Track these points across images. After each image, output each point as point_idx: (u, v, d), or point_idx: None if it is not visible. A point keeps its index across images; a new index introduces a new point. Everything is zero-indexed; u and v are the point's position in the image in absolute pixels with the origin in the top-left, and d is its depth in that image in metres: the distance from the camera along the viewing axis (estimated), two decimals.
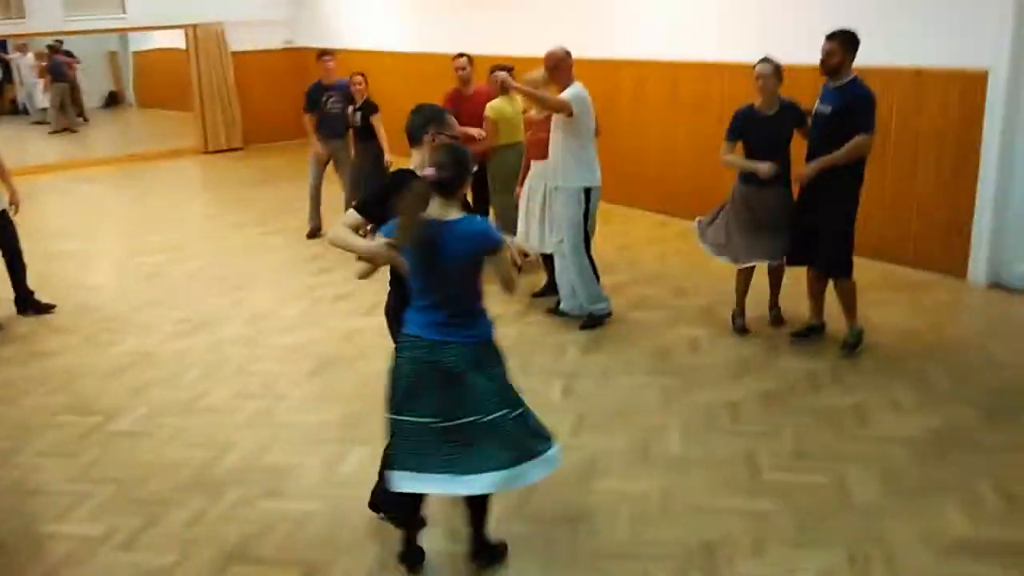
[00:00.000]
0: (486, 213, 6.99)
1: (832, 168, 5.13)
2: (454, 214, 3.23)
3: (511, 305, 5.80)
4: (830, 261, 5.37)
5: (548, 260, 6.52)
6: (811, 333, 5.66)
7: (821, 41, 5.19)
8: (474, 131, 6.79)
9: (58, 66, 17.58)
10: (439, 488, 3.28)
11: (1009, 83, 6.19)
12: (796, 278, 5.81)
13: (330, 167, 8.73)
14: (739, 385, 5.12)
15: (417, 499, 3.48)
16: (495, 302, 3.80)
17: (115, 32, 17.74)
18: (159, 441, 4.75)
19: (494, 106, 6.81)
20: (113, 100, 22.03)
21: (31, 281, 6.78)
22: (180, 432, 4.84)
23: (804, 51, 6.30)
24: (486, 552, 3.59)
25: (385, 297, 3.70)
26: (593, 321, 6.05)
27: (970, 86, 6.38)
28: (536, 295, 6.59)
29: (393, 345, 3.40)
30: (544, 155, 6.09)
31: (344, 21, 13.72)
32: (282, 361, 5.78)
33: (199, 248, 8.67)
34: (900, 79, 6.60)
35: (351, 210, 3.56)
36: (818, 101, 5.29)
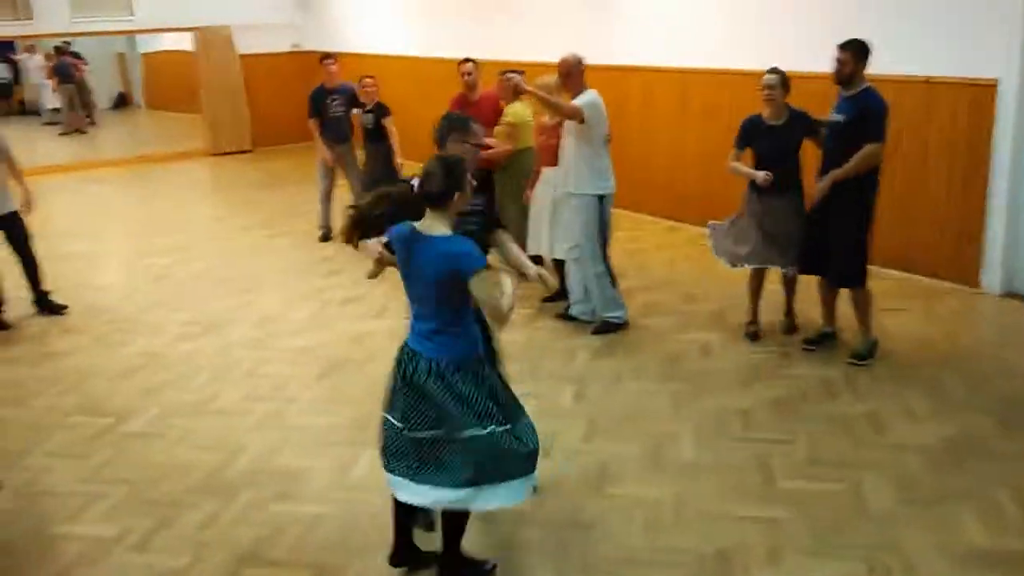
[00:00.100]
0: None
1: (848, 181, 5.11)
2: (440, 229, 3.19)
3: (521, 310, 5.77)
4: (842, 273, 5.35)
5: (558, 265, 6.51)
6: (824, 341, 5.64)
7: (830, 50, 5.18)
8: (491, 140, 6.78)
9: (65, 67, 17.61)
10: (399, 492, 3.34)
11: (1019, 92, 6.16)
12: (810, 284, 5.78)
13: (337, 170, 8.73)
14: (751, 391, 5.10)
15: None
16: None
17: (122, 34, 17.81)
18: (170, 443, 4.74)
19: (514, 111, 6.79)
20: (122, 102, 22.08)
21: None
22: (191, 434, 4.83)
23: (813, 60, 6.33)
24: (458, 570, 3.51)
25: (393, 301, 3.69)
26: (606, 327, 6.03)
27: (980, 95, 6.36)
28: (546, 300, 6.57)
29: None
30: (555, 161, 6.08)
31: (351, 25, 13.74)
32: (291, 364, 5.77)
33: (207, 250, 8.67)
34: (910, 88, 6.58)
35: None
36: (832, 111, 5.27)
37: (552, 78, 5.92)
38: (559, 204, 6.14)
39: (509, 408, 3.30)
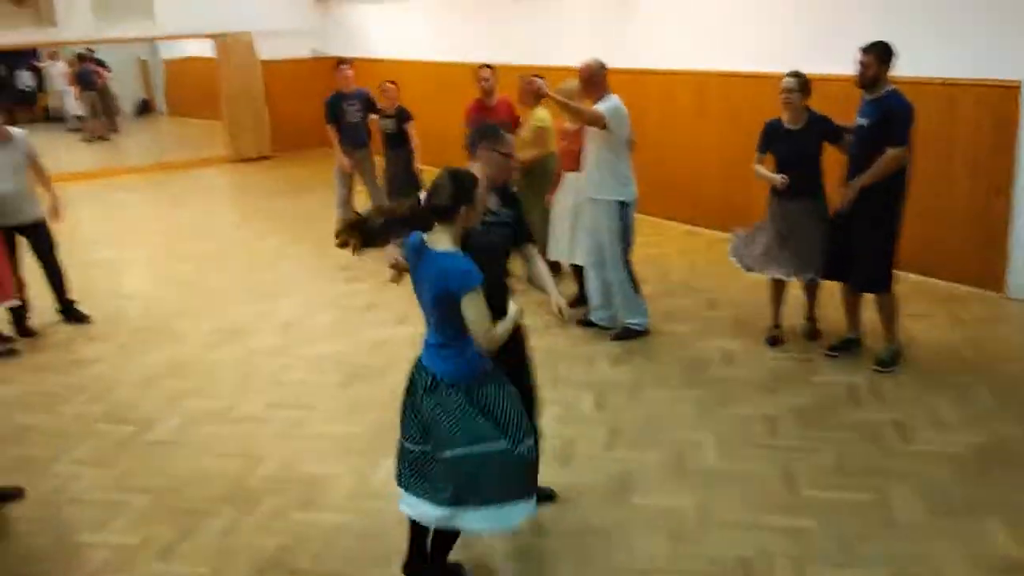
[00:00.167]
0: None
1: (874, 186, 5.05)
2: (443, 244, 3.18)
3: (540, 316, 5.76)
4: (868, 278, 5.30)
5: (577, 271, 6.50)
6: (847, 347, 5.59)
7: (850, 53, 5.13)
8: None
9: (87, 74, 17.78)
10: (399, 501, 3.39)
11: None
12: (833, 289, 5.73)
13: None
14: (775, 399, 5.06)
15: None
16: (526, 312, 3.80)
17: (145, 41, 17.95)
18: (194, 451, 4.77)
19: (539, 115, 6.78)
20: (144, 108, 22.25)
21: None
22: (214, 442, 4.85)
23: (833, 63, 6.29)
24: (424, 572, 3.52)
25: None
26: (626, 333, 6.00)
27: (1003, 98, 6.29)
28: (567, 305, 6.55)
29: None
30: (576, 166, 6.07)
31: (370, 30, 13.78)
32: (313, 371, 5.79)
33: (229, 257, 8.72)
34: (931, 91, 6.50)
35: None
36: (857, 115, 5.22)
37: (573, 83, 5.91)
38: (580, 209, 6.13)
39: (509, 430, 3.22)
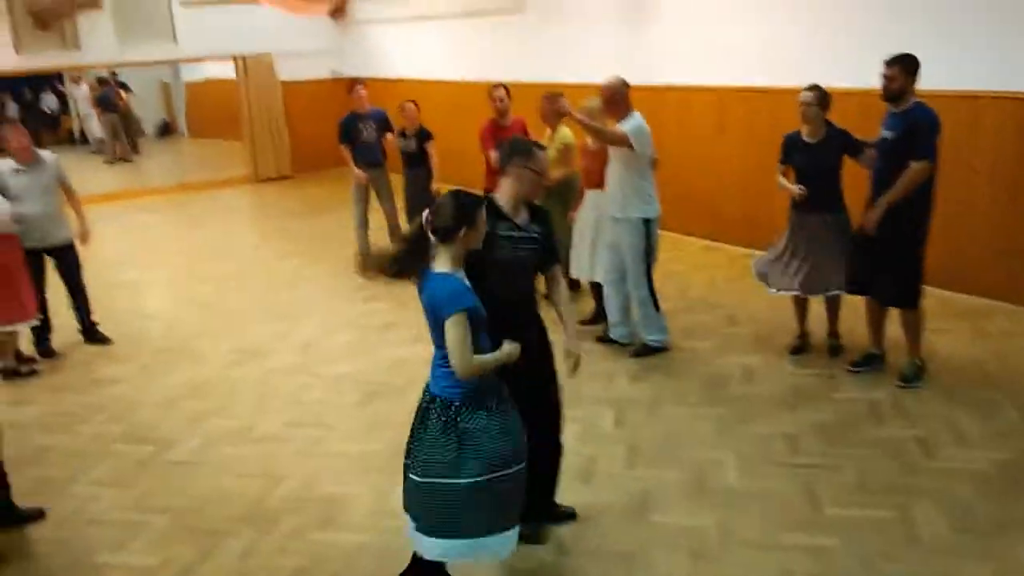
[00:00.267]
0: None
1: (896, 201, 5.00)
2: (441, 265, 3.18)
3: (557, 334, 5.73)
4: (896, 295, 5.24)
5: (596, 288, 6.48)
6: (870, 363, 5.53)
7: (871, 66, 5.10)
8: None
9: (108, 97, 18.02)
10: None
11: None
12: (855, 303, 5.68)
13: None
14: (796, 416, 5.01)
15: None
16: (548, 328, 3.79)
17: (168, 64, 18.17)
18: (213, 471, 4.78)
19: (566, 134, 6.78)
20: (166, 130, 22.51)
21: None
22: (233, 462, 4.86)
23: (855, 77, 6.26)
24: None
25: None
26: (646, 350, 5.98)
27: None
28: (584, 323, 6.53)
29: None
30: (598, 184, 6.05)
31: (388, 50, 13.88)
32: (332, 390, 5.80)
33: (249, 277, 8.76)
34: (954, 104, 6.45)
35: None
36: (882, 128, 5.17)
37: (595, 101, 5.90)
38: (602, 227, 6.11)
39: (476, 464, 3.16)
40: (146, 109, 21.02)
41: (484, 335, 3.23)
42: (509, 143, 3.77)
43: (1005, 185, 6.45)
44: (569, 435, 4.34)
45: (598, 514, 4.12)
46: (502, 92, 7.33)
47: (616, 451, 4.72)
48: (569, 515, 4.07)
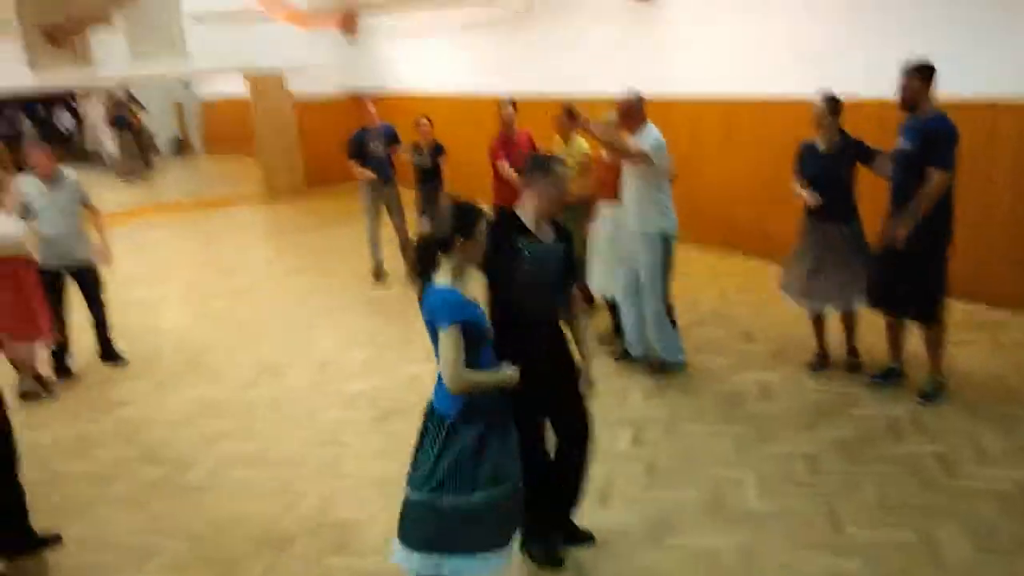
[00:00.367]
0: None
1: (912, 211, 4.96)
2: (441, 276, 3.18)
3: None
4: (918, 310, 5.17)
5: (612, 304, 6.44)
6: (889, 376, 5.47)
7: (885, 76, 5.05)
8: (512, 175, 6.86)
9: (121, 115, 18.15)
10: None
11: None
12: (873, 318, 5.63)
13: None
14: (815, 434, 4.95)
15: None
16: None
17: (180, 80, 18.28)
18: (228, 493, 4.76)
19: (583, 146, 6.75)
20: (180, 147, 22.64)
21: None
22: (248, 484, 4.85)
23: (869, 86, 6.21)
24: None
25: None
26: (661, 367, 5.93)
27: None
28: (602, 340, 6.50)
29: None
30: (612, 196, 6.02)
31: (400, 65, 13.93)
32: (348, 408, 5.78)
33: (263, 293, 8.78)
34: (973, 112, 6.41)
35: None
36: (899, 137, 5.13)
37: (612, 115, 5.87)
38: (618, 241, 6.07)
39: (450, 481, 3.18)
40: (160, 127, 21.15)
41: (486, 351, 3.22)
42: (531, 159, 3.76)
43: (1023, 195, 6.38)
44: None
45: (616, 536, 4.08)
46: (510, 108, 7.36)
47: (634, 471, 4.68)
48: (587, 538, 4.04)
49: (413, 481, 3.25)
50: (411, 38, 13.40)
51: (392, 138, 8.64)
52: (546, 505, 3.86)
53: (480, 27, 11.73)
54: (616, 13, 9.46)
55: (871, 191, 5.52)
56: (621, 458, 4.83)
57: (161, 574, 4.05)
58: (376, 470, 4.90)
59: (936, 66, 4.96)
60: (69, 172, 6.57)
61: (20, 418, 5.92)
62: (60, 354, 6.61)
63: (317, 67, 14.32)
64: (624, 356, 6.16)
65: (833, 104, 5.39)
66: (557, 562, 3.89)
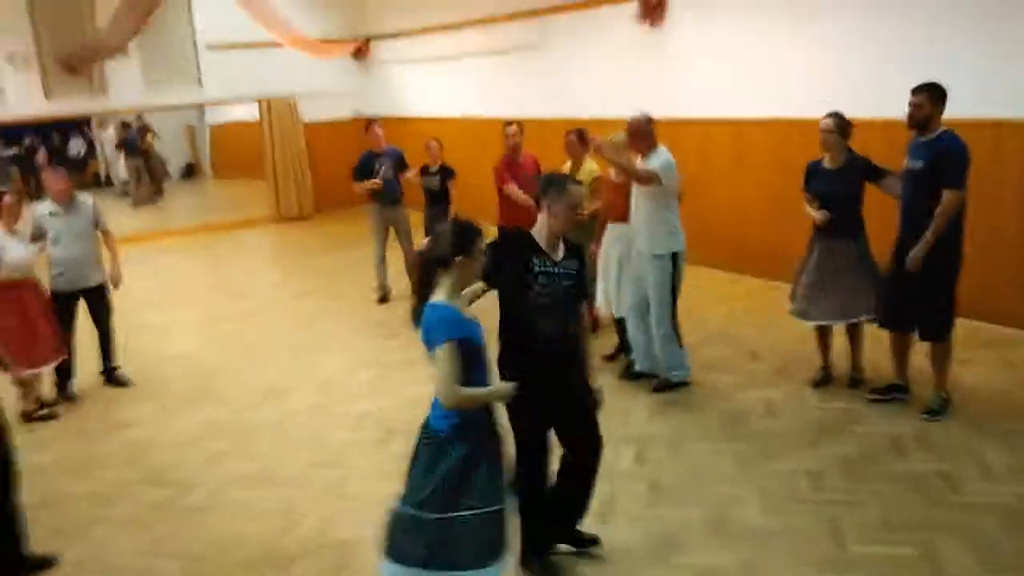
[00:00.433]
0: None
1: (926, 231, 4.94)
2: (438, 294, 3.20)
3: None
4: (930, 329, 5.16)
5: (619, 323, 6.43)
6: (892, 392, 5.45)
7: (893, 95, 5.07)
8: (523, 197, 6.89)
9: (132, 141, 18.33)
10: None
11: None
12: (878, 335, 5.61)
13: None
14: (819, 451, 4.93)
15: None
16: None
17: (194, 107, 18.47)
18: (230, 514, 4.76)
19: (593, 167, 6.77)
20: (190, 171, 22.84)
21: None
22: (251, 504, 4.85)
23: (876, 106, 6.23)
24: None
25: None
26: (667, 385, 5.92)
27: None
28: (607, 358, 6.49)
29: None
30: (620, 217, 6.04)
31: (410, 90, 14.04)
32: (352, 429, 5.79)
33: (270, 316, 8.81)
34: (980, 131, 6.39)
35: None
36: (908, 157, 5.13)
37: (620, 136, 5.89)
38: (626, 261, 6.08)
39: (461, 498, 3.20)
40: (171, 151, 21.34)
41: (482, 368, 3.24)
42: (546, 178, 3.80)
43: None
44: None
45: (619, 555, 4.06)
46: (514, 128, 7.40)
47: (637, 489, 4.66)
48: (593, 541, 4.06)
49: (402, 495, 3.26)
50: (421, 63, 13.51)
51: (399, 162, 8.69)
52: (545, 521, 3.86)
53: (492, 51, 11.83)
54: (625, 36, 9.52)
55: (879, 209, 5.52)
56: (624, 476, 4.82)
57: None
58: (379, 491, 4.85)
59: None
60: (85, 196, 6.67)
61: (22, 439, 5.96)
62: (65, 377, 6.64)
63: (329, 93, 14.43)
64: (629, 374, 6.15)
65: (841, 123, 5.41)
66: None
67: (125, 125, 18.92)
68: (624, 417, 5.58)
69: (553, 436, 3.86)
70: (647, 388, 5.96)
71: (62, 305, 6.42)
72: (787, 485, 4.58)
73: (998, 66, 6.38)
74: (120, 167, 19.27)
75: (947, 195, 4.88)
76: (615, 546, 4.11)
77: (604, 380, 6.02)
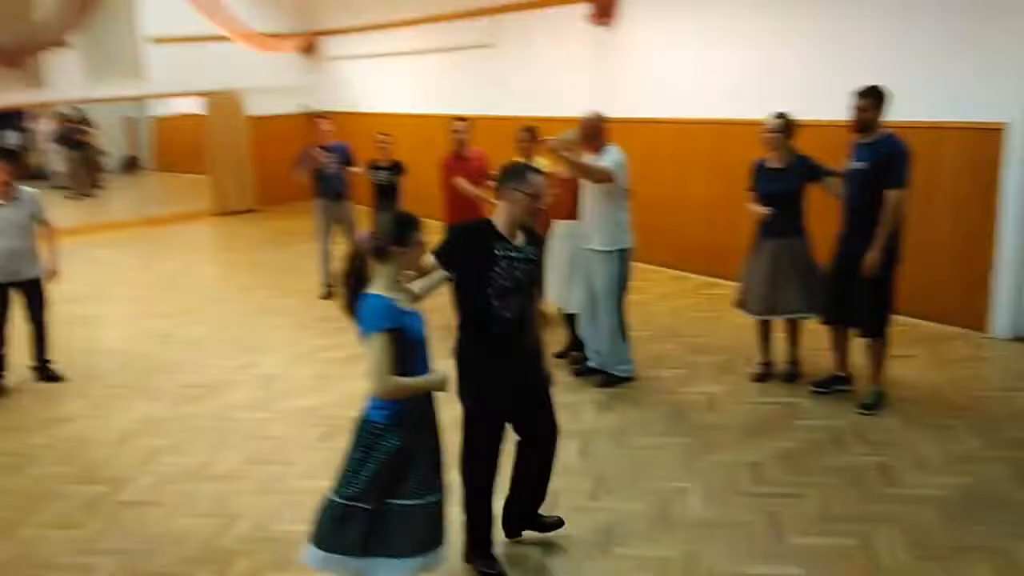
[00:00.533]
0: None
1: (872, 229, 5.05)
2: (377, 285, 3.20)
3: None
4: (873, 324, 5.27)
5: (570, 320, 6.44)
6: (834, 384, 5.56)
7: (836, 99, 5.17)
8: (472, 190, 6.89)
9: (67, 133, 17.85)
10: None
11: None
12: (816, 329, 5.72)
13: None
14: (759, 444, 5.00)
15: None
16: None
17: (136, 100, 18.04)
18: (166, 511, 4.65)
19: (544, 163, 6.75)
20: (130, 165, 22.31)
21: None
22: (188, 501, 4.74)
23: (820, 109, 6.34)
24: None
25: None
26: (612, 380, 5.95)
27: (987, 140, 6.35)
28: (557, 355, 6.49)
29: None
30: (568, 214, 6.04)
31: (359, 86, 13.91)
32: (293, 425, 5.70)
33: (209, 311, 8.64)
34: (917, 133, 6.53)
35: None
36: (851, 158, 5.24)
37: (572, 133, 5.89)
38: (576, 258, 6.08)
39: (385, 488, 3.21)
40: (110, 144, 20.82)
41: (420, 359, 3.25)
42: (504, 168, 3.83)
43: (966, 214, 6.54)
44: None
45: (563, 548, 4.06)
46: (461, 125, 7.37)
47: (581, 483, 4.66)
48: (556, 524, 4.10)
49: (335, 485, 3.24)
50: (370, 60, 13.39)
51: (345, 157, 8.61)
52: (489, 513, 3.85)
53: (443, 49, 11.77)
54: (576, 37, 9.55)
55: (818, 208, 5.62)
56: (569, 471, 4.80)
57: None
58: (320, 487, 4.75)
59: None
60: (28, 189, 6.50)
61: None
62: None
63: (275, 88, 14.23)
64: (581, 370, 6.16)
65: (786, 123, 5.50)
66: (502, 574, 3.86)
67: (62, 117, 18.42)
68: (570, 412, 5.56)
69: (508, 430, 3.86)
70: (593, 383, 5.98)
71: None
72: (729, 478, 4.63)
73: (937, 69, 6.53)
74: (56, 159, 18.76)
75: (892, 194, 5.00)
76: (559, 540, 4.11)
77: (555, 374, 6.07)
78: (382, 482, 3.18)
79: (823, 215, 5.57)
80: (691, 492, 4.51)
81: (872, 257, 5.07)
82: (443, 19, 11.49)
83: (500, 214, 3.70)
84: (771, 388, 5.77)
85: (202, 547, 4.25)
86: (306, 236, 10.42)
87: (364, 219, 8.54)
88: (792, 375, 5.83)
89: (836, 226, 5.39)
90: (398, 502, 3.19)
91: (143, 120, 21.73)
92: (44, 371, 6.73)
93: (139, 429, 5.75)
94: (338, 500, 3.22)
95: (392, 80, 13.13)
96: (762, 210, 5.55)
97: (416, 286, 3.50)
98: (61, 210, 15.98)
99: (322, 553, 3.23)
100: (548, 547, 4.05)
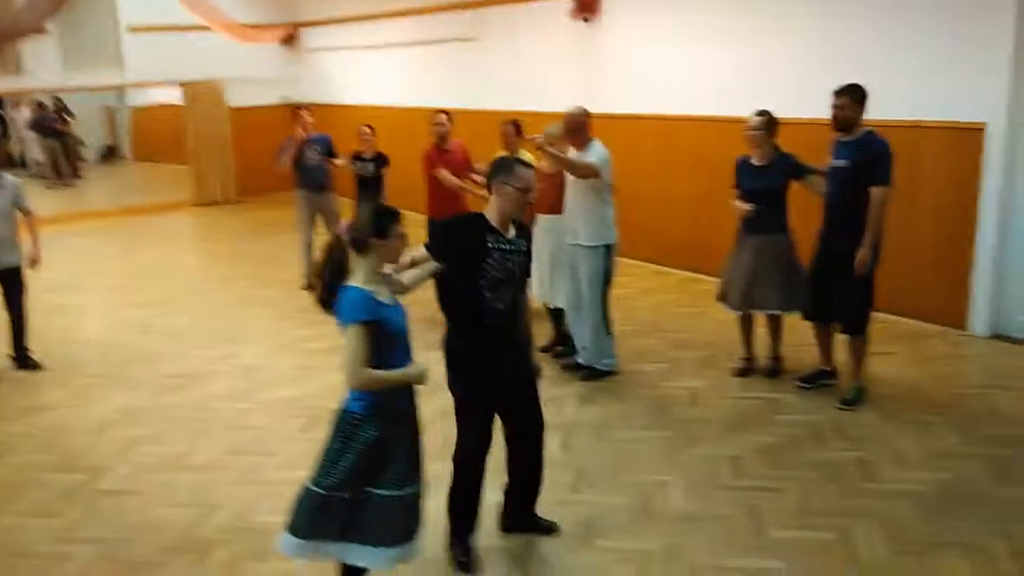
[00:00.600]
0: None
1: (854, 226, 5.09)
2: (356, 277, 3.20)
3: None
4: (854, 321, 5.31)
5: (555, 314, 6.44)
6: (819, 378, 5.61)
7: (818, 97, 5.19)
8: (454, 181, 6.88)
9: (45, 121, 17.66)
10: None
11: (1006, 135, 6.22)
12: (799, 326, 5.75)
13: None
14: (741, 439, 5.02)
15: None
16: None
17: (115, 89, 17.86)
18: (145, 500, 4.61)
19: (529, 158, 6.74)
20: (110, 154, 22.09)
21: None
22: (166, 490, 4.71)
23: (803, 107, 6.37)
24: None
25: None
26: (595, 374, 5.96)
27: (967, 139, 6.40)
28: (542, 350, 6.48)
29: None
30: (551, 209, 6.04)
31: (340, 78, 13.84)
32: (273, 416, 5.67)
33: (190, 301, 8.58)
34: (898, 133, 6.57)
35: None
36: (832, 156, 5.27)
37: (556, 127, 5.89)
38: (560, 254, 6.08)
39: (362, 479, 3.20)
40: (89, 133, 20.62)
41: (399, 351, 3.24)
42: (493, 162, 3.84)
43: (947, 212, 6.59)
44: None
45: (546, 540, 4.07)
46: (443, 118, 7.35)
47: (562, 477, 4.66)
48: (551, 528, 4.10)
49: (313, 475, 3.23)
50: (352, 51, 13.33)
51: (327, 148, 8.57)
52: (475, 507, 3.86)
53: (426, 42, 11.73)
54: (559, 31, 9.54)
55: (799, 206, 5.65)
56: (551, 464, 4.72)
57: None
58: (299, 476, 4.74)
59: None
60: (9, 176, 6.44)
61: None
62: None
63: (256, 78, 14.13)
64: (568, 365, 6.16)
65: (769, 121, 5.52)
66: (476, 568, 3.86)
67: (40, 105, 18.22)
68: (553, 406, 5.56)
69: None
70: (577, 377, 5.98)
71: None
72: (710, 472, 4.65)
73: (918, 69, 6.58)
74: (34, 148, 18.55)
75: (876, 192, 5.04)
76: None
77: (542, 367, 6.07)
78: (360, 473, 3.18)
79: (805, 213, 5.60)
80: (672, 485, 4.53)
81: (863, 255, 5.10)
82: (426, 12, 11.45)
83: (491, 208, 3.70)
84: (752, 383, 5.80)
85: (181, 536, 4.22)
86: (287, 227, 10.37)
87: (347, 211, 8.52)
88: (774, 371, 5.86)
89: (818, 224, 5.43)
90: (377, 491, 3.19)
91: (122, 109, 21.53)
92: (23, 359, 6.67)
93: (118, 418, 5.70)
94: (316, 490, 3.21)
95: (374, 73, 13.08)
96: (746, 207, 5.58)
97: (405, 277, 3.50)
98: (40, 199, 15.78)
99: (298, 541, 3.21)
100: (529, 540, 4.05)
